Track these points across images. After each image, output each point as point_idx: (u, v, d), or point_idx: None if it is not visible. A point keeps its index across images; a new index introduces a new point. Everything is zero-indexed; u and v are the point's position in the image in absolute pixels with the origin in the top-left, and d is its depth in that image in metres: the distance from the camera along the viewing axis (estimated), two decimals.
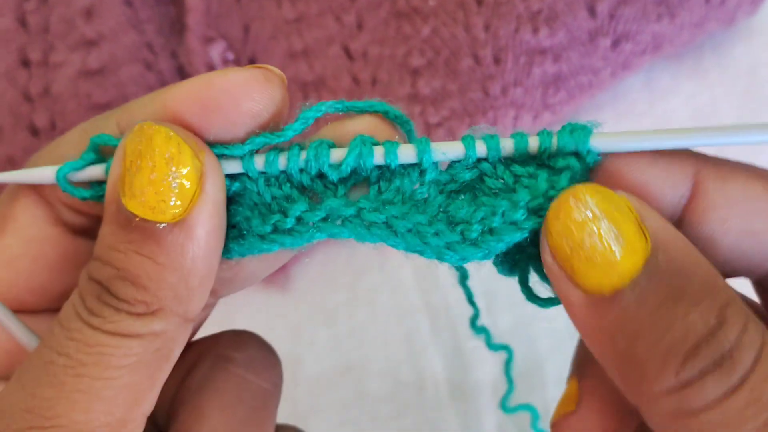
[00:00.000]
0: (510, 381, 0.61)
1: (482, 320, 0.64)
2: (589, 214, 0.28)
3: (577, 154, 0.31)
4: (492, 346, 0.61)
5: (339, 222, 0.32)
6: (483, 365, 0.63)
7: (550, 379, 0.63)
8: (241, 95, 0.31)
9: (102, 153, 0.33)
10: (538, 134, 0.31)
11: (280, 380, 0.39)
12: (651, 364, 0.27)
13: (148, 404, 0.31)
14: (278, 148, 0.32)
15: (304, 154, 0.32)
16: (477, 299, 0.64)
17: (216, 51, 0.63)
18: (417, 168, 0.32)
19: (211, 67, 0.63)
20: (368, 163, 0.32)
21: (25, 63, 0.64)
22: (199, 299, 0.31)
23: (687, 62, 0.68)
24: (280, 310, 0.66)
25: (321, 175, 0.32)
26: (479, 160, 0.32)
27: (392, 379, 0.64)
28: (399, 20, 0.62)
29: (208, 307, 0.39)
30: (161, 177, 0.29)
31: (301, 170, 0.32)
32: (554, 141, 0.31)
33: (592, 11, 0.61)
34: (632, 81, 0.67)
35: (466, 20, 0.61)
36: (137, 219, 0.29)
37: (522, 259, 0.33)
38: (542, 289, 0.33)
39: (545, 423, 0.62)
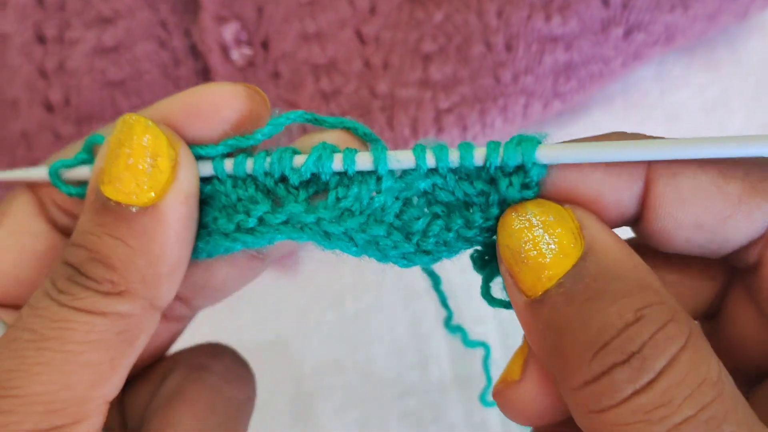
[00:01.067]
0: (488, 377, 0.62)
1: (488, 307, 0.64)
2: (526, 223, 0.30)
3: (523, 166, 0.32)
4: (468, 343, 0.61)
5: (299, 227, 0.33)
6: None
7: None
8: (221, 104, 0.33)
9: (94, 153, 0.35)
10: (486, 145, 0.32)
11: (254, 394, 0.40)
12: (571, 358, 0.28)
13: (108, 388, 0.31)
14: (247, 153, 0.34)
15: (269, 159, 0.33)
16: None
17: (229, 31, 0.63)
18: (374, 175, 0.33)
19: (224, 47, 0.63)
20: (327, 168, 0.33)
21: (41, 39, 0.65)
22: (167, 288, 0.32)
23: (699, 55, 0.68)
24: (287, 293, 0.67)
25: (284, 180, 0.34)
26: (431, 170, 0.33)
27: (397, 362, 0.64)
28: (412, 5, 0.62)
29: (183, 320, 0.40)
30: (137, 163, 0.31)
31: (266, 174, 0.33)
32: (500, 153, 0.32)
33: (605, 0, 0.61)
34: (643, 72, 0.67)
35: (479, 6, 0.61)
36: (112, 203, 0.31)
37: (493, 260, 0.35)
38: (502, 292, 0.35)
39: None
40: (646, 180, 0.31)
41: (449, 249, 0.34)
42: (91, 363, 0.30)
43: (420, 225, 0.33)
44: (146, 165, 0.31)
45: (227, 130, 0.33)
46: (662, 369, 0.27)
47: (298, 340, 0.65)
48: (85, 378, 0.30)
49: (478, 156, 0.32)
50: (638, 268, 0.29)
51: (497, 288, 0.35)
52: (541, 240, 0.30)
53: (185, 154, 0.32)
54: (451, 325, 0.60)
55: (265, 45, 0.64)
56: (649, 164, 0.31)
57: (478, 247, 0.35)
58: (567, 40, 0.61)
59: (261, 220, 0.33)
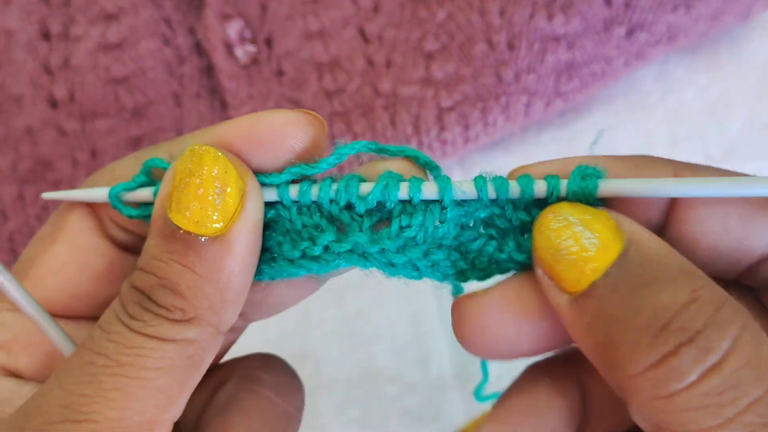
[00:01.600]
0: (485, 373, 0.62)
1: None
2: (564, 222, 0.31)
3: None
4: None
5: (363, 256, 0.34)
6: None
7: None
8: (284, 134, 0.33)
9: (152, 176, 0.36)
10: (545, 178, 0.33)
11: (302, 405, 0.41)
12: (627, 345, 0.28)
13: (176, 409, 0.32)
14: (312, 180, 0.35)
15: (335, 186, 0.34)
16: (484, 287, 0.64)
17: (233, 29, 0.63)
18: (438, 205, 0.34)
19: (228, 45, 0.63)
20: (393, 196, 0.34)
21: (46, 35, 0.65)
22: (231, 313, 0.33)
23: (701, 55, 0.68)
24: None
25: (349, 207, 0.34)
26: (491, 201, 0.34)
27: (398, 360, 0.64)
28: (415, 4, 0.63)
29: (237, 331, 0.41)
30: (206, 193, 0.31)
31: (331, 201, 0.34)
32: (563, 187, 0.33)
33: (607, 0, 0.61)
34: (646, 72, 0.67)
35: (482, 5, 0.61)
36: (181, 231, 0.31)
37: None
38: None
39: None
40: None
41: (500, 268, 0.35)
42: (162, 388, 0.31)
43: (476, 245, 0.34)
44: (215, 195, 0.31)
45: (289, 158, 0.34)
46: (728, 349, 0.26)
47: (299, 337, 0.66)
48: (156, 402, 0.30)
49: (539, 189, 0.33)
50: (679, 256, 0.30)
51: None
52: (582, 235, 0.30)
53: (253, 185, 0.33)
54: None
55: (268, 43, 0.64)
56: (676, 174, 0.32)
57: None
58: (569, 39, 0.61)
59: (326, 248, 0.34)
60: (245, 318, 0.39)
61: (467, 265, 0.35)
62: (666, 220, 0.33)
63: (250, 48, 0.64)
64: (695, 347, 0.27)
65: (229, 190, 0.31)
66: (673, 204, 0.32)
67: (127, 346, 0.30)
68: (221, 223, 0.31)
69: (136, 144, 0.64)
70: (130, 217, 0.36)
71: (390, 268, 0.34)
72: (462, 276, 0.35)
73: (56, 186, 0.65)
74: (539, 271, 0.32)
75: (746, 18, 0.65)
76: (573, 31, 0.61)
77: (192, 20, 0.65)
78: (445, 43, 0.62)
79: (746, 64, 0.67)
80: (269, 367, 0.41)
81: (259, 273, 0.35)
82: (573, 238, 0.30)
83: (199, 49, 0.65)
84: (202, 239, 0.31)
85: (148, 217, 0.36)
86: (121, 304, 0.32)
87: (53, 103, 0.65)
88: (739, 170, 0.33)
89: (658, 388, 0.27)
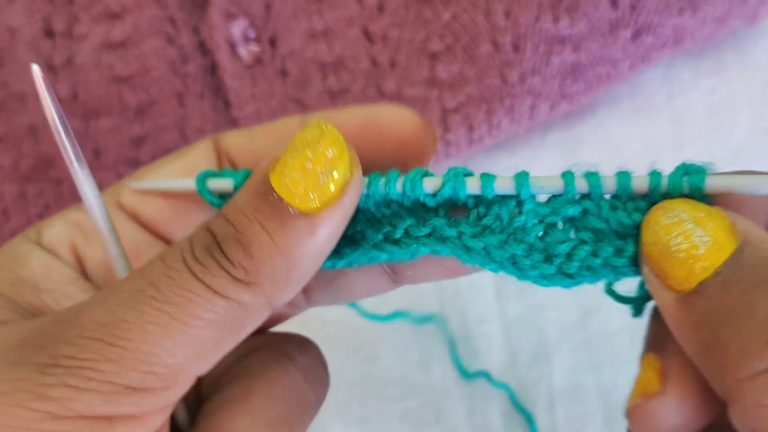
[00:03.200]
0: (457, 361, 0.63)
1: (492, 308, 0.64)
2: (675, 219, 0.30)
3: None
4: (494, 382, 0.63)
5: (441, 240, 0.34)
6: (490, 350, 0.64)
7: (557, 368, 0.63)
8: (398, 125, 0.34)
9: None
10: (649, 174, 0.32)
11: (323, 400, 0.41)
12: (734, 349, 0.27)
13: (205, 364, 0.31)
14: (378, 175, 0.35)
15: (400, 182, 0.34)
16: (486, 287, 0.64)
17: (237, 28, 0.63)
18: (515, 199, 0.33)
19: (232, 44, 0.63)
20: (462, 194, 0.33)
21: (50, 33, 0.65)
22: (289, 291, 0.32)
23: (707, 58, 0.68)
24: None
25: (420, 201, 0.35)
26: (582, 196, 0.33)
27: (400, 361, 0.64)
28: (420, 4, 0.62)
29: (297, 309, 0.41)
30: (314, 170, 0.31)
31: (402, 196, 0.34)
32: (664, 182, 0.32)
33: (614, 2, 0.60)
34: (651, 74, 0.67)
35: (487, 6, 0.61)
36: (275, 195, 0.31)
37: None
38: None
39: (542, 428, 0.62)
40: None
41: (593, 274, 0.33)
42: (199, 339, 0.30)
43: (564, 249, 0.33)
44: (321, 175, 0.31)
45: (395, 153, 0.34)
46: None
47: None
48: (189, 351, 0.30)
49: (637, 185, 0.32)
50: None
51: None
52: (693, 233, 0.29)
53: (357, 180, 0.33)
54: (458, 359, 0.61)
55: (273, 42, 0.64)
56: None
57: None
58: (575, 41, 0.61)
59: (406, 232, 0.34)
60: (309, 298, 0.39)
61: (553, 269, 0.33)
62: None
63: (254, 47, 0.64)
64: None
65: (336, 175, 0.31)
66: None
67: (181, 286, 0.30)
68: (316, 203, 0.31)
69: (139, 143, 0.64)
70: (213, 204, 0.37)
71: (466, 253, 0.34)
72: (545, 280, 0.34)
73: (58, 184, 0.64)
74: (645, 269, 0.31)
75: (753, 21, 0.64)
76: (578, 33, 0.61)
77: (196, 19, 0.65)
78: (449, 44, 0.61)
79: (752, 67, 0.67)
80: (305, 350, 0.40)
81: (340, 256, 0.35)
82: (683, 235, 0.29)
83: (203, 48, 0.65)
84: (292, 211, 0.31)
85: None
86: (189, 242, 0.32)
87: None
88: None
89: (765, 395, 0.26)
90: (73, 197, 0.64)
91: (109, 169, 0.64)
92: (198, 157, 0.39)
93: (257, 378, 0.37)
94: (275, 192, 0.31)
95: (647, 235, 0.31)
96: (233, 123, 0.64)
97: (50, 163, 0.64)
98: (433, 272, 0.37)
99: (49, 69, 0.65)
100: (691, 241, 0.29)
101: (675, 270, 0.29)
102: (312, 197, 0.31)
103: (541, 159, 0.66)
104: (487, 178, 0.33)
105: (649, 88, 0.67)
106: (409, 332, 0.65)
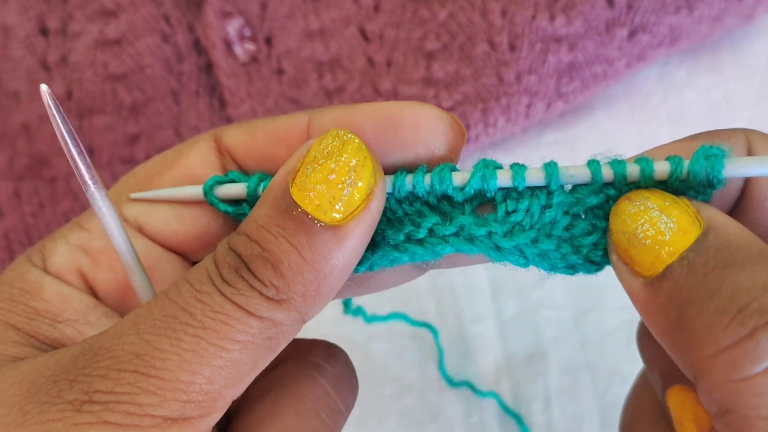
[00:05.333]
0: (440, 350, 0.63)
1: (488, 307, 0.64)
2: (642, 207, 0.31)
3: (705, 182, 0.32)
4: (478, 392, 0.63)
5: (469, 239, 0.33)
6: (485, 350, 0.64)
7: (553, 367, 0.63)
8: (423, 123, 0.33)
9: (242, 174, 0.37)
10: (668, 159, 0.32)
11: (353, 406, 0.40)
12: (700, 327, 0.28)
13: (241, 387, 0.31)
14: (405, 170, 0.34)
15: (428, 178, 0.33)
16: (482, 287, 0.64)
17: (233, 27, 0.63)
18: (545, 190, 0.33)
19: (227, 43, 0.63)
20: (492, 185, 0.33)
21: (44, 31, 0.65)
22: (320, 305, 0.32)
23: (704, 57, 0.68)
24: None
25: (447, 197, 0.34)
26: (605, 185, 0.33)
27: (396, 361, 0.64)
28: (416, 3, 0.62)
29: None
30: (337, 181, 0.31)
31: (428, 192, 0.34)
32: (685, 168, 0.32)
33: (610, 1, 0.60)
34: (647, 73, 0.67)
35: (483, 6, 0.61)
36: (299, 210, 0.30)
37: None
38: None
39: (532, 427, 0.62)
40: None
41: None
42: (236, 362, 0.30)
43: (591, 239, 0.34)
44: (345, 185, 0.31)
45: (420, 153, 0.33)
46: None
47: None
48: (227, 375, 0.29)
49: (659, 170, 0.32)
50: (760, 241, 0.29)
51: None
52: (659, 220, 0.30)
53: (382, 187, 0.32)
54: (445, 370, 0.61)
55: (268, 41, 0.63)
56: (750, 147, 0.32)
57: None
58: (571, 40, 0.61)
59: (431, 232, 0.33)
60: (339, 292, 0.38)
61: (580, 259, 0.34)
62: (739, 202, 0.32)
63: (250, 46, 0.63)
64: None
65: (360, 184, 0.31)
66: (748, 185, 0.32)
67: (214, 310, 0.29)
68: (341, 215, 0.31)
69: (133, 141, 0.64)
70: (226, 213, 0.36)
71: (496, 252, 0.33)
72: (572, 270, 0.34)
73: (52, 183, 0.64)
74: (614, 257, 0.32)
75: (749, 20, 0.64)
76: (575, 32, 0.60)
77: (191, 17, 0.65)
78: (446, 43, 0.61)
79: (748, 67, 0.67)
80: (333, 358, 0.40)
81: (360, 261, 0.34)
82: (649, 222, 0.30)
83: (199, 46, 0.65)
84: (318, 224, 0.30)
85: (242, 215, 0.36)
86: (215, 264, 0.31)
87: None
88: None
89: (733, 370, 0.27)
90: (67, 195, 0.64)
91: (104, 168, 0.64)
92: (199, 156, 0.38)
93: (287, 393, 0.37)
94: (299, 206, 0.30)
95: (615, 224, 0.31)
96: (228, 121, 0.64)
97: (44, 162, 0.64)
98: (462, 258, 0.36)
99: (43, 67, 0.64)
100: (657, 227, 0.30)
101: (642, 256, 0.30)
102: (338, 208, 0.30)
103: (538, 158, 0.66)
104: (518, 168, 0.33)
105: (646, 87, 0.67)
106: (406, 332, 0.64)
